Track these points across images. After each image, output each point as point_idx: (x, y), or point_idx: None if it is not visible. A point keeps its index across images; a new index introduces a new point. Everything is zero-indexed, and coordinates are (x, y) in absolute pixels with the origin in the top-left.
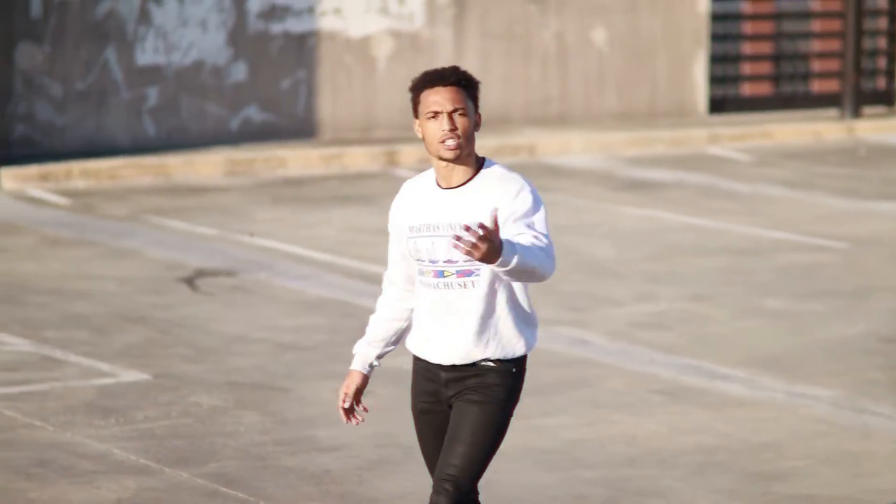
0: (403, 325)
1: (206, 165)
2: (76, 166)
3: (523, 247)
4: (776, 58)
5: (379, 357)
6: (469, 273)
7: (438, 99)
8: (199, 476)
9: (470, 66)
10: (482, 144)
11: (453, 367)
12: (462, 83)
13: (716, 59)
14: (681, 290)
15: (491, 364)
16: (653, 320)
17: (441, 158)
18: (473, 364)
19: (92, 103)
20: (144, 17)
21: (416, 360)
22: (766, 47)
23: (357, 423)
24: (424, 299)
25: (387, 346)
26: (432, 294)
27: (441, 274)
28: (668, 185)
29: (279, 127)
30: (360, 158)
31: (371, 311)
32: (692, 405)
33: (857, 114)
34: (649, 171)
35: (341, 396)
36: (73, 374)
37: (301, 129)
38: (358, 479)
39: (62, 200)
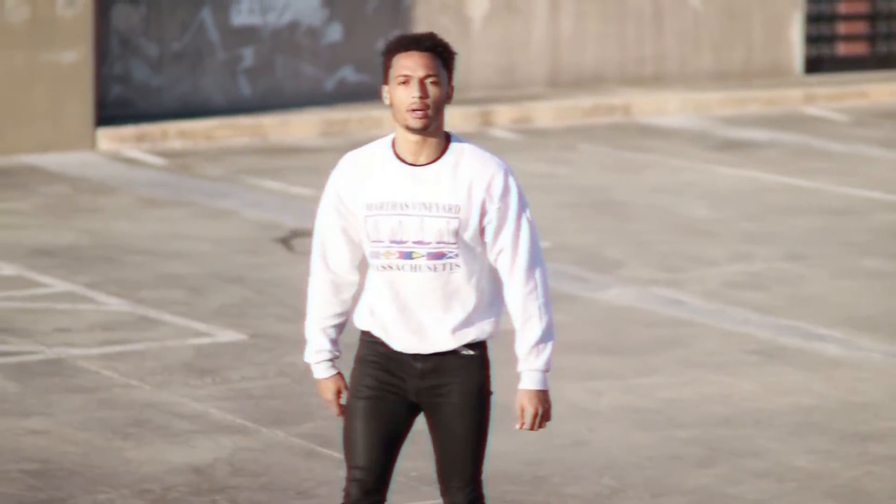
0: (349, 306)
1: (301, 126)
2: (172, 127)
3: (542, 338)
4: (872, 17)
5: (335, 342)
6: (441, 256)
7: (410, 64)
8: (295, 436)
9: (565, 25)
10: (577, 104)
11: (427, 357)
12: (438, 50)
13: (811, 19)
14: (776, 249)
15: (468, 352)
16: (748, 280)
17: (407, 128)
18: (449, 352)
19: (188, 64)
20: None
21: (373, 345)
22: (861, 7)
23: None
24: (385, 282)
25: (339, 321)
26: (394, 276)
27: (409, 255)
28: (764, 144)
29: (374, 87)
30: (454, 118)
31: None
32: (788, 365)
33: None
34: (745, 131)
35: (332, 409)
36: (170, 334)
37: None
38: None
39: (158, 161)
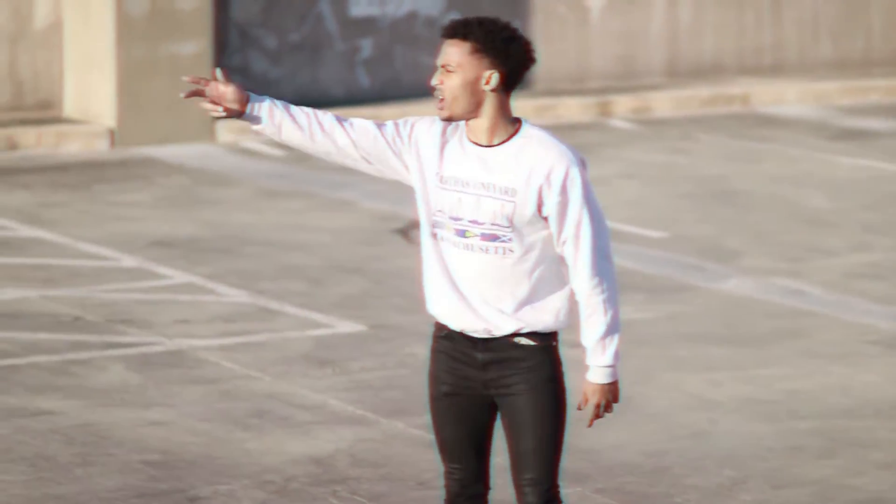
0: (307, 134)
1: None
2: None
3: (607, 332)
4: None
5: (263, 108)
6: (495, 238)
7: (440, 52)
8: (415, 427)
9: (683, 14)
10: (695, 94)
11: (487, 345)
12: (470, 37)
13: None
14: None
15: (527, 342)
16: (869, 270)
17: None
18: (508, 340)
19: (306, 55)
20: None
21: (442, 339)
22: None
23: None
24: (438, 256)
25: (281, 116)
26: (448, 251)
27: (463, 234)
28: (884, 134)
29: None
30: (573, 109)
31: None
32: None
33: None
34: (864, 121)
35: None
36: (290, 325)
37: None
38: (572, 431)
39: (277, 152)
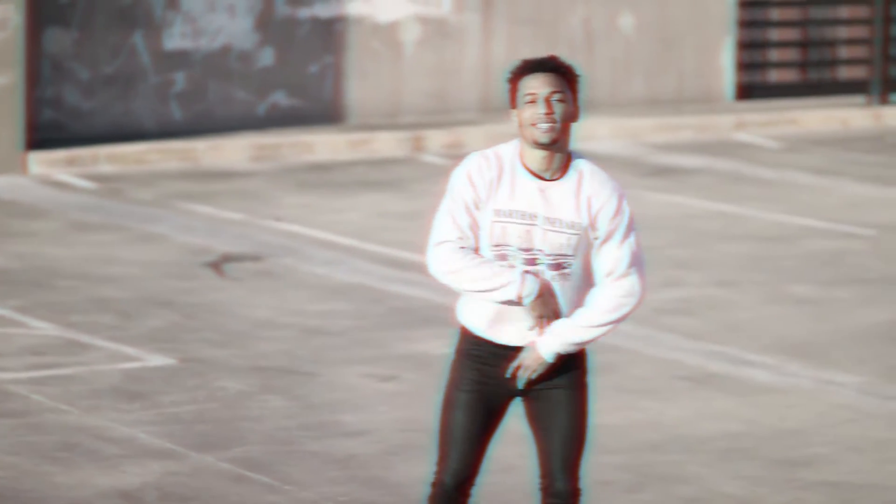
0: None
1: (232, 150)
2: (103, 151)
3: (589, 328)
4: (804, 44)
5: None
6: (560, 266)
7: (536, 83)
8: (224, 460)
9: (497, 51)
10: (509, 129)
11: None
12: (561, 70)
13: (743, 46)
14: (707, 275)
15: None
16: (679, 306)
17: (536, 143)
18: None
19: (119, 88)
20: (172, 1)
21: (475, 341)
22: (793, 34)
23: None
24: None
25: None
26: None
27: (533, 262)
28: (695, 171)
29: (306, 112)
30: (387, 144)
31: (398, 296)
32: (718, 391)
33: (884, 101)
34: (676, 157)
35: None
36: (99, 359)
37: (328, 114)
38: (384, 464)
39: (89, 185)
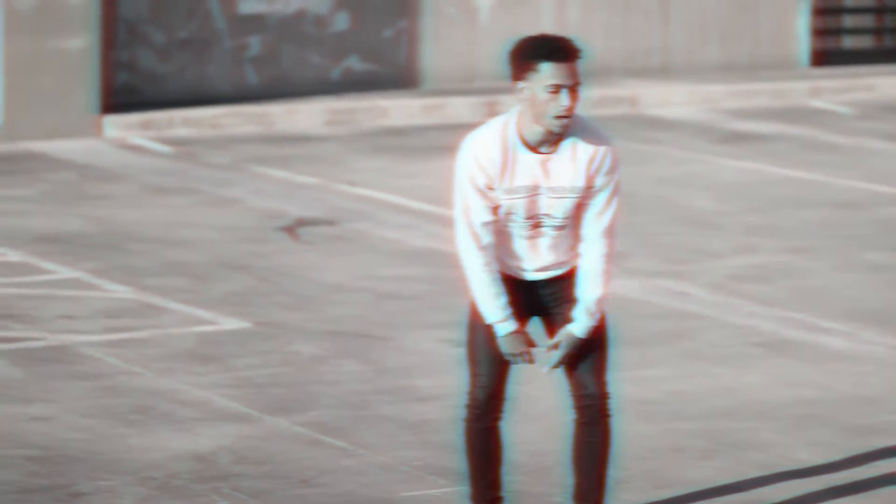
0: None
1: (307, 115)
2: (178, 115)
3: (602, 297)
4: (880, 10)
5: (504, 304)
6: (563, 227)
7: (561, 74)
8: (298, 424)
9: (572, 16)
10: (583, 95)
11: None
12: (579, 57)
13: (819, 12)
14: (781, 242)
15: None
16: (753, 273)
17: (549, 131)
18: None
19: (194, 52)
20: None
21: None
22: (869, 0)
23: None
24: (512, 239)
25: (499, 288)
26: (525, 234)
27: (539, 226)
28: (770, 137)
29: (380, 77)
30: (461, 108)
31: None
32: (792, 358)
33: None
34: (750, 124)
35: (527, 358)
36: (174, 322)
37: (402, 78)
38: (457, 429)
39: (164, 149)
